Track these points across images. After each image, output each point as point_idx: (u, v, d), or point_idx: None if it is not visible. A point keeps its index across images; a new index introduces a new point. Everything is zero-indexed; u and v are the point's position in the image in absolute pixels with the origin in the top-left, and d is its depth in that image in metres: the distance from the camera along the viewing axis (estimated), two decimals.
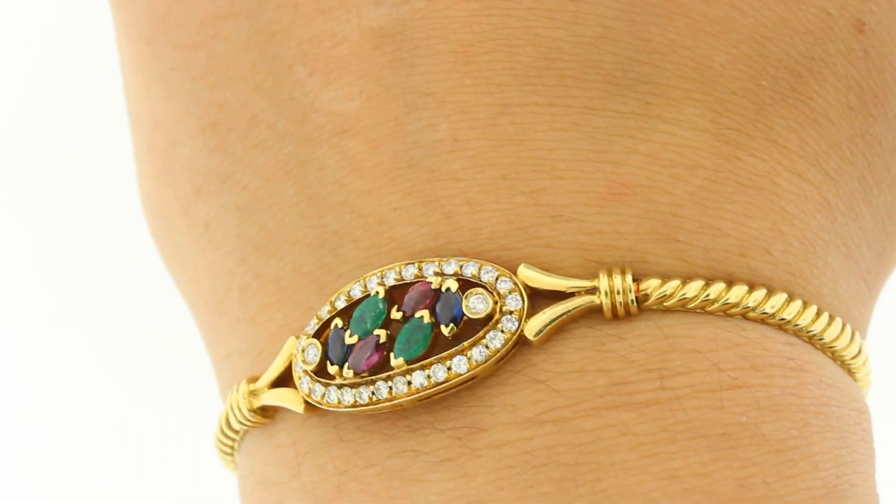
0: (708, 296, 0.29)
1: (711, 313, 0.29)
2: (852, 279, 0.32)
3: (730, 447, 0.28)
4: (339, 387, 0.30)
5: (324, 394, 0.30)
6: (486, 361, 0.29)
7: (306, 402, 0.31)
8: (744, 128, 0.30)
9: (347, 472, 0.30)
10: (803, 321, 0.30)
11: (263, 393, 0.32)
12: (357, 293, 0.31)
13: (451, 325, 0.29)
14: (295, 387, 0.31)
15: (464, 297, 0.30)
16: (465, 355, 0.29)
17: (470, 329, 0.29)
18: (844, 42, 0.31)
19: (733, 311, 0.29)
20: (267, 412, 0.32)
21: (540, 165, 0.29)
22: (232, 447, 0.34)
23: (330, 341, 0.31)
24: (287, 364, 0.32)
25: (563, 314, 0.29)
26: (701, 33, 0.30)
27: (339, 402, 0.30)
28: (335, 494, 0.30)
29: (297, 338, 0.31)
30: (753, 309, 0.29)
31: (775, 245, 0.30)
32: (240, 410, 0.32)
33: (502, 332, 0.29)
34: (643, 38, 0.29)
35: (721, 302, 0.29)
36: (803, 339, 0.30)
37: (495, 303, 0.29)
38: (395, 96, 0.30)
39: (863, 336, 0.33)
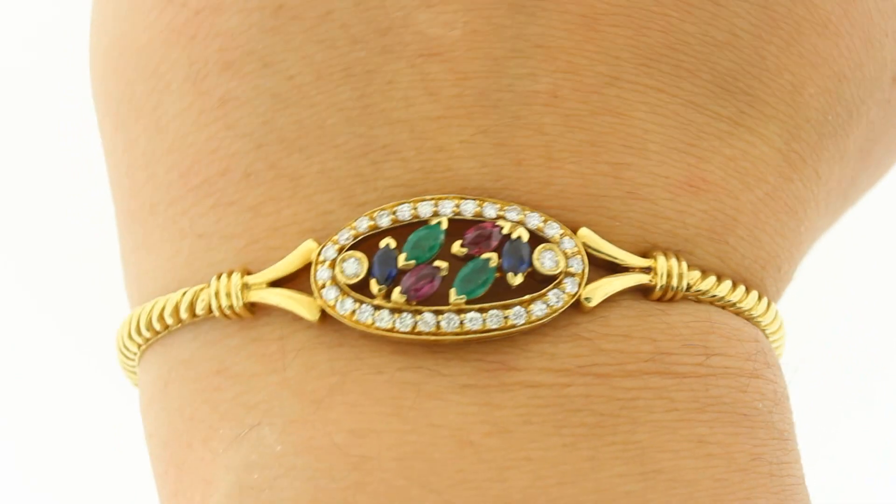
0: (732, 298, 0.31)
1: (730, 312, 0.32)
2: None
3: (748, 426, 0.30)
4: (377, 307, 0.29)
5: (354, 310, 0.29)
6: (544, 318, 0.29)
7: (322, 312, 0.29)
8: (805, 154, 0.32)
9: (347, 374, 0.29)
10: (779, 335, 0.33)
11: (261, 289, 0.30)
12: (406, 215, 0.29)
13: (519, 274, 0.29)
14: (301, 290, 0.30)
15: (533, 250, 0.29)
16: (526, 308, 0.29)
17: (531, 281, 0.29)
18: (884, 91, 0.34)
19: (745, 314, 0.32)
20: (253, 308, 0.30)
21: (631, 142, 0.30)
22: (149, 339, 0.31)
23: (378, 259, 0.29)
24: (299, 266, 0.30)
25: (621, 286, 0.30)
26: (806, 63, 0.31)
27: (372, 324, 0.29)
28: (325, 394, 0.29)
29: (319, 243, 0.29)
30: (757, 317, 0.32)
31: (784, 265, 0.33)
32: (227, 297, 0.30)
33: (564, 292, 0.29)
34: (761, 54, 0.31)
35: (737, 305, 0.31)
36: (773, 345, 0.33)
37: (565, 262, 0.29)
38: (504, 38, 0.29)
39: None
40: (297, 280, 0.30)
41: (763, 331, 0.32)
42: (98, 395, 0.62)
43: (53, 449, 0.63)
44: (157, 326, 0.31)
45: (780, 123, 0.32)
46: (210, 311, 0.30)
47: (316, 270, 0.29)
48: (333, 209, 0.30)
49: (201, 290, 0.30)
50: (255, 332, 0.30)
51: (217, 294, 0.30)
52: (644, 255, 0.30)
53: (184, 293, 0.31)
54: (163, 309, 0.31)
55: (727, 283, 0.31)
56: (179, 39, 0.31)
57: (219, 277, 0.30)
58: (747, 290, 0.31)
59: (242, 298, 0.30)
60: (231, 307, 0.30)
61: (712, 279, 0.31)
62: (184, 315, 0.31)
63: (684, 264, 0.30)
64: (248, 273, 0.30)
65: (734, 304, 0.31)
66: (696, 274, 0.31)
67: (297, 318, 0.30)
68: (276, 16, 0.30)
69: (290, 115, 0.30)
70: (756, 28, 0.31)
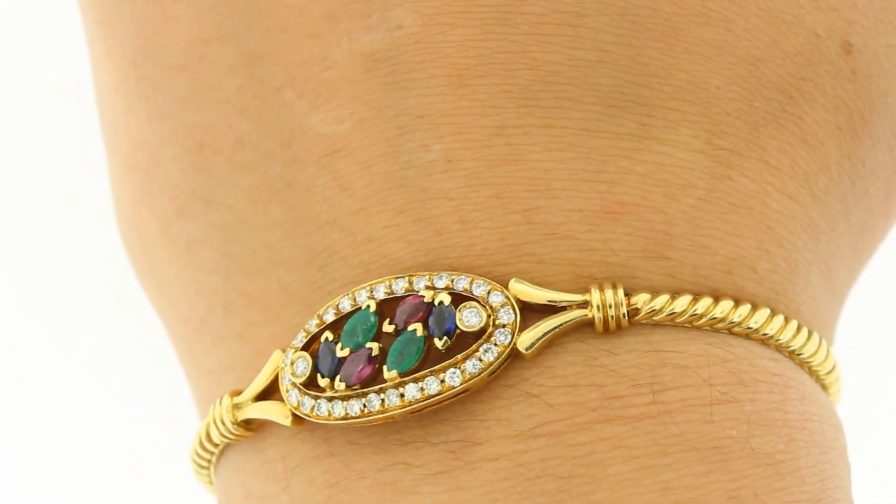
0: (696, 311, 0.30)
1: (699, 328, 0.30)
2: (827, 296, 0.33)
3: (720, 460, 0.28)
4: (330, 399, 0.30)
5: (313, 406, 0.31)
6: (480, 374, 0.29)
7: (294, 416, 0.31)
8: (737, 148, 0.30)
9: (338, 484, 0.30)
10: (785, 337, 0.31)
11: (248, 406, 0.32)
12: (346, 307, 0.31)
13: (445, 337, 0.30)
14: (281, 400, 0.31)
15: (457, 311, 0.30)
16: (459, 368, 0.29)
17: (462, 342, 0.30)
18: (833, 63, 0.31)
19: (719, 325, 0.30)
20: (251, 425, 0.32)
21: (535, 185, 0.30)
22: (209, 461, 0.34)
23: (320, 354, 0.31)
24: (272, 377, 0.32)
25: (555, 328, 0.29)
26: (697, 56, 0.30)
27: (330, 415, 0.30)
28: None
29: (284, 351, 0.31)
30: (739, 324, 0.30)
31: (761, 263, 0.31)
32: (223, 423, 0.32)
33: (496, 345, 0.30)
34: (641, 61, 0.30)
35: (708, 317, 0.30)
36: (784, 355, 0.31)
37: (488, 316, 0.30)
38: (388, 118, 0.31)
39: (833, 347, 0.34)
40: (275, 391, 0.32)
41: (759, 340, 0.30)
42: (98, 395, 0.63)
43: (54, 449, 0.63)
44: (205, 455, 0.34)
45: (691, 125, 0.30)
46: (222, 436, 0.33)
47: (282, 377, 0.31)
48: (301, 321, 0.32)
49: (209, 421, 0.33)
50: (264, 453, 0.32)
51: (215, 420, 0.32)
52: (584, 291, 0.30)
53: (204, 424, 0.34)
54: (197, 442, 0.34)
55: (684, 298, 0.30)
56: (144, 198, 0.34)
57: (215, 406, 0.33)
58: (716, 300, 0.30)
59: (232, 417, 0.32)
60: (227, 429, 0.32)
61: (663, 297, 0.30)
62: (208, 446, 0.33)
63: (620, 291, 0.29)
64: (238, 394, 0.32)
65: (701, 316, 0.30)
66: (644, 296, 0.30)
67: (293, 434, 0.31)
68: (200, 154, 0.33)
69: (240, 242, 0.32)
70: (624, 38, 0.30)
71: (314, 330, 0.31)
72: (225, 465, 0.34)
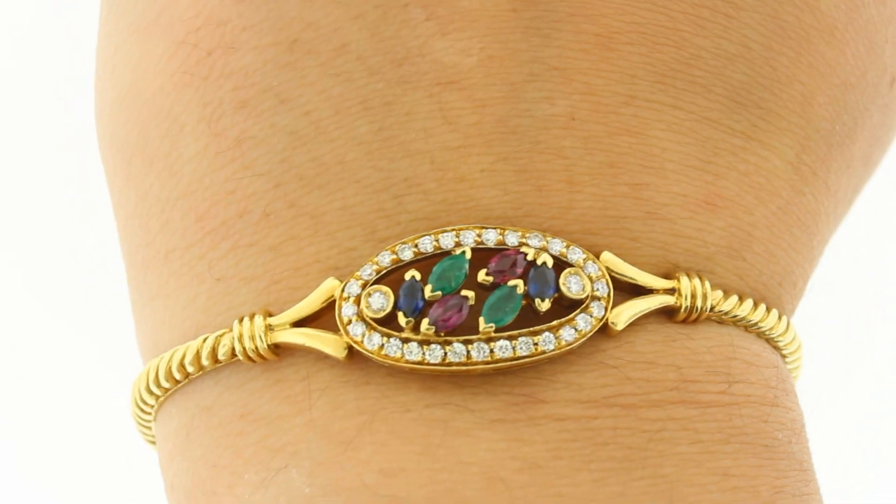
0: (753, 318, 0.31)
1: (750, 332, 0.31)
2: None
3: (770, 457, 0.30)
4: (405, 341, 0.29)
5: (382, 345, 0.29)
6: (573, 343, 0.29)
7: (349, 349, 0.29)
8: (815, 166, 0.32)
9: (375, 413, 0.28)
10: (796, 355, 0.33)
11: (285, 330, 0.29)
12: (428, 247, 0.29)
13: (547, 300, 0.29)
14: (326, 328, 0.29)
15: (558, 275, 0.29)
16: (555, 334, 0.29)
17: (557, 307, 0.29)
18: (883, 96, 0.34)
19: (764, 335, 0.32)
20: (278, 349, 0.30)
21: (649, 161, 0.30)
22: (167, 389, 0.31)
23: (403, 292, 0.29)
24: (322, 304, 0.29)
25: (646, 309, 0.30)
26: (815, 72, 0.32)
27: (402, 357, 0.29)
28: (354, 433, 0.28)
29: (341, 280, 0.29)
30: (777, 337, 0.32)
31: (799, 280, 0.33)
32: (251, 341, 0.29)
33: (591, 316, 0.29)
34: (773, 65, 0.31)
35: (758, 325, 0.31)
36: (790, 366, 0.33)
37: (591, 286, 0.29)
38: (520, 62, 0.29)
39: None
40: (321, 319, 0.30)
41: (781, 351, 0.32)
42: (99, 396, 0.61)
43: (55, 450, 0.61)
44: (178, 376, 0.31)
45: (791, 135, 0.32)
46: (233, 355, 0.30)
47: (341, 307, 0.29)
48: (356, 245, 0.29)
49: (223, 334, 0.30)
50: (278, 373, 0.30)
51: (241, 338, 0.30)
52: (666, 275, 0.30)
53: (205, 339, 0.30)
54: (182, 357, 0.30)
55: (748, 303, 0.31)
56: (192, 81, 0.30)
57: (241, 321, 0.30)
58: (767, 309, 0.31)
59: (267, 340, 0.29)
60: (256, 350, 0.29)
61: (734, 299, 0.31)
62: (205, 362, 0.30)
63: (707, 284, 0.30)
64: (270, 315, 0.30)
65: (755, 324, 0.31)
66: (719, 294, 0.30)
67: (320, 358, 0.29)
68: (291, 51, 0.30)
69: (309, 151, 0.30)
70: (767, 39, 0.31)
71: (387, 265, 0.29)
72: (209, 379, 0.31)
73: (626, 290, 0.30)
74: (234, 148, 0.30)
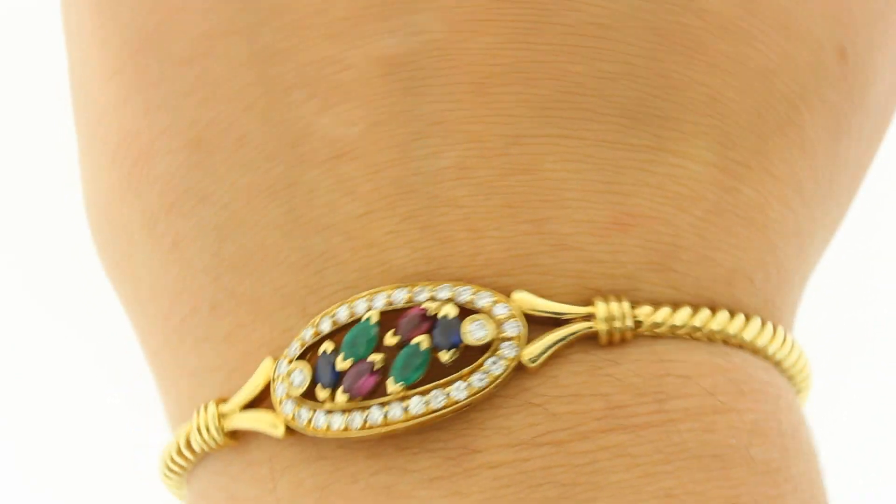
0: (694, 323, 0.30)
1: (697, 339, 0.30)
2: (800, 295, 0.34)
3: (721, 468, 0.29)
4: (329, 412, 0.30)
5: (310, 419, 0.30)
6: (487, 388, 0.29)
7: (286, 427, 0.30)
8: (746, 160, 0.31)
9: (328, 487, 0.29)
10: (773, 347, 0.31)
11: (235, 415, 0.31)
12: (343, 317, 0.30)
13: (452, 351, 0.29)
14: (269, 408, 0.31)
15: (462, 324, 0.30)
16: (466, 381, 0.29)
17: (467, 355, 0.30)
18: (831, 70, 0.32)
19: (716, 337, 0.30)
20: (236, 434, 0.31)
21: (547, 195, 0.30)
22: (185, 468, 0.33)
23: (319, 364, 0.30)
24: (263, 386, 0.31)
25: (561, 340, 0.29)
26: (717, 70, 0.30)
27: (328, 428, 0.30)
28: None
29: (275, 359, 0.31)
30: (734, 336, 0.31)
31: (757, 274, 0.31)
32: (207, 432, 0.31)
33: (502, 358, 0.29)
34: (663, 74, 0.30)
35: (706, 329, 0.30)
36: (771, 364, 0.32)
37: (495, 329, 0.30)
38: (402, 123, 0.30)
39: None
40: (268, 399, 0.31)
41: (751, 350, 0.31)
42: (99, 396, 0.63)
43: (55, 449, 0.64)
44: (180, 461, 0.33)
45: (705, 137, 0.31)
46: (205, 444, 0.32)
47: (275, 387, 0.31)
48: (292, 325, 0.31)
49: (189, 427, 0.32)
50: (248, 455, 0.31)
51: (199, 428, 0.32)
52: (587, 303, 0.30)
53: (181, 432, 0.33)
54: (174, 448, 0.33)
55: (685, 311, 0.30)
56: (129, 189, 0.33)
57: (198, 412, 0.32)
58: (713, 312, 0.30)
59: (222, 427, 0.31)
60: (213, 438, 0.31)
61: (665, 310, 0.30)
62: (187, 453, 0.32)
63: (626, 304, 0.30)
64: (224, 402, 0.32)
65: (700, 330, 0.30)
66: (647, 309, 0.30)
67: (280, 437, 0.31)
68: (199, 150, 0.32)
69: (235, 242, 0.31)
70: (650, 51, 0.30)
71: (310, 339, 0.30)
72: (203, 469, 0.33)
73: (549, 324, 0.30)
74: (173, 249, 0.32)
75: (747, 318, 0.31)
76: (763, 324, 0.31)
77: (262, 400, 0.31)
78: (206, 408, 0.32)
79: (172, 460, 0.33)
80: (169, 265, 0.32)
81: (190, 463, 0.33)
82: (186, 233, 0.32)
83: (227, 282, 0.31)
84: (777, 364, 0.32)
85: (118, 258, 0.34)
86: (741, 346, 0.31)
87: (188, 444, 0.32)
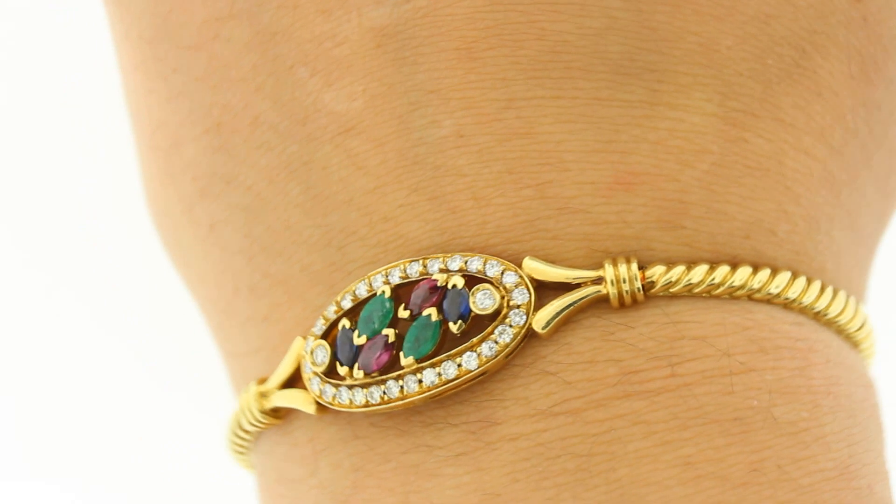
0: (713, 280, 0.29)
1: (718, 297, 0.29)
2: (854, 248, 0.32)
3: (742, 431, 0.28)
4: (350, 387, 0.30)
5: (335, 395, 0.31)
6: (496, 356, 0.29)
7: (317, 403, 0.31)
8: (751, 109, 0.30)
9: (363, 468, 0.30)
10: (808, 298, 0.30)
11: (273, 394, 0.32)
12: (363, 292, 0.31)
13: (460, 321, 0.29)
14: (305, 387, 0.31)
15: (470, 293, 0.30)
16: (475, 351, 0.29)
17: (478, 325, 0.30)
18: (844, 12, 0.30)
19: (739, 293, 0.29)
20: (279, 412, 0.32)
21: (546, 158, 0.29)
22: (245, 447, 0.34)
23: (338, 342, 0.31)
24: (296, 365, 0.32)
25: (570, 305, 0.29)
26: (707, 17, 0.29)
27: (351, 403, 0.30)
28: (351, 491, 0.30)
29: (305, 338, 0.31)
30: (758, 290, 0.30)
31: (780, 225, 0.30)
32: (251, 412, 0.32)
33: (510, 326, 0.29)
34: (650, 26, 0.29)
35: (726, 285, 0.29)
36: (809, 317, 0.30)
37: (502, 297, 0.29)
38: (399, 94, 0.30)
39: (864, 299, 0.33)
40: (300, 377, 0.32)
41: (782, 305, 0.30)
42: (111, 393, 0.63)
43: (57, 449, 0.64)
44: (238, 441, 0.34)
45: (703, 88, 0.30)
46: (252, 424, 0.33)
47: (304, 365, 0.31)
48: (323, 303, 0.32)
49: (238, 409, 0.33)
50: (292, 436, 0.32)
51: (244, 409, 0.33)
52: (598, 266, 0.29)
53: (235, 412, 0.34)
54: (235, 426, 0.34)
55: (701, 268, 0.29)
56: (166, 178, 0.34)
57: (244, 393, 0.33)
58: (734, 267, 0.29)
59: (259, 406, 0.32)
60: (256, 418, 0.32)
61: (679, 268, 0.29)
62: (240, 433, 0.34)
63: (634, 265, 0.29)
64: (264, 381, 0.32)
65: (720, 286, 0.29)
66: (660, 268, 0.29)
67: (319, 417, 0.31)
68: (219, 134, 0.32)
69: (261, 223, 0.32)
70: (632, 3, 0.29)
71: (332, 317, 0.31)
72: (259, 448, 0.34)
73: (561, 289, 0.30)
74: (211, 233, 0.33)
75: (774, 271, 0.30)
76: (795, 276, 0.30)
77: (298, 378, 0.32)
78: (247, 389, 0.33)
79: (233, 441, 0.34)
80: (209, 249, 0.33)
81: (248, 441, 0.34)
82: (219, 216, 0.33)
83: (260, 262, 0.32)
84: (817, 316, 0.30)
85: (172, 243, 0.35)
86: (769, 300, 0.30)
87: (239, 425, 0.33)
